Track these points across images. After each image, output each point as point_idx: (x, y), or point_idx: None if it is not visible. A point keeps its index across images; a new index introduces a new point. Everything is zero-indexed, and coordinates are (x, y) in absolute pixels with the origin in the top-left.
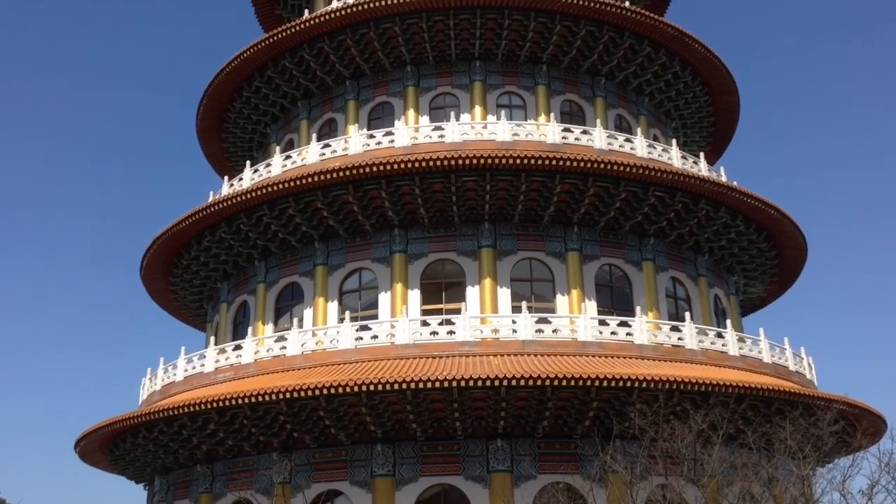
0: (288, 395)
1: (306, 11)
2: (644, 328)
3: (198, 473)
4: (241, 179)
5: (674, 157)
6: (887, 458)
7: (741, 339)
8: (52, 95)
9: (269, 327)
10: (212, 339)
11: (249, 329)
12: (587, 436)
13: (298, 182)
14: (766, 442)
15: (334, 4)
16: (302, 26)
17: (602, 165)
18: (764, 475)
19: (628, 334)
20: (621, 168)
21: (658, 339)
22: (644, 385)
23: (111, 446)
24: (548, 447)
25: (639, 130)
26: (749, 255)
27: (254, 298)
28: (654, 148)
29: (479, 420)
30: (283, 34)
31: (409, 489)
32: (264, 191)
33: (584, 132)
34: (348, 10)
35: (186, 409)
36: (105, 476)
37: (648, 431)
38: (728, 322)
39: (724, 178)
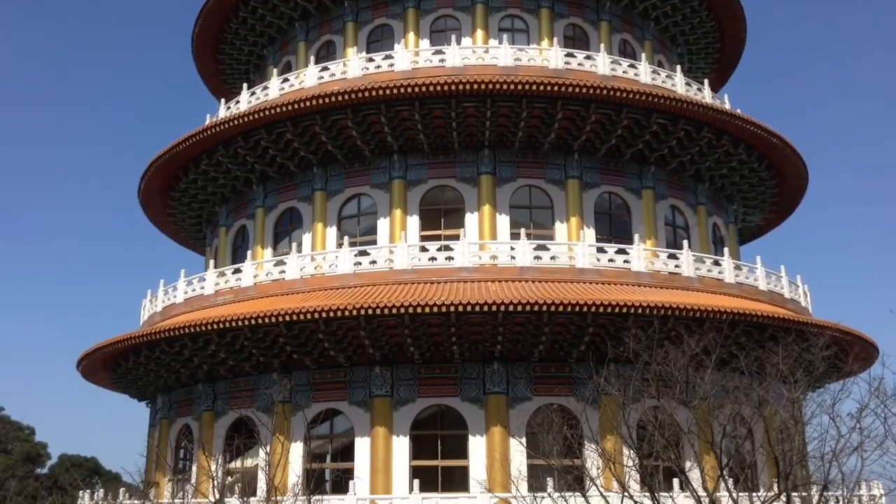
0: (287, 318)
1: None
2: (642, 256)
3: (199, 392)
4: (237, 103)
5: (678, 83)
6: (877, 382)
7: (737, 267)
8: (47, 22)
9: (268, 252)
10: (211, 262)
11: (248, 253)
12: (582, 360)
13: (296, 106)
14: (758, 366)
15: None
16: None
17: (605, 92)
18: (755, 398)
19: (626, 262)
20: (624, 94)
21: (655, 266)
22: (639, 311)
23: (113, 365)
24: (543, 370)
25: (643, 56)
26: (749, 183)
27: (252, 223)
28: (658, 74)
29: (476, 344)
30: None
31: (406, 409)
32: (261, 114)
33: (588, 57)
34: None
35: (187, 330)
36: (108, 394)
37: (642, 355)
38: (726, 250)
39: (727, 106)
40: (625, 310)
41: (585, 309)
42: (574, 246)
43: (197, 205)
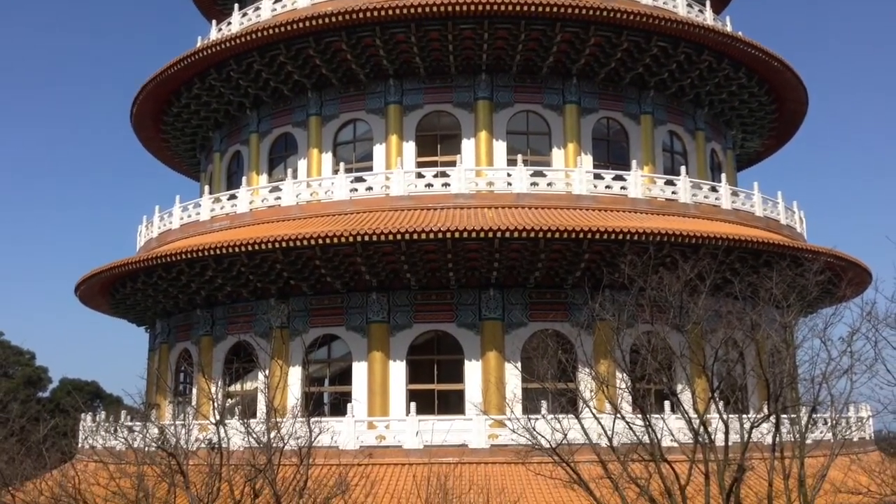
0: (284, 245)
1: None
2: (639, 182)
3: (198, 317)
4: (229, 24)
5: (679, 5)
6: (869, 307)
7: (734, 193)
8: None
9: (264, 178)
10: (206, 188)
11: (244, 179)
12: (577, 286)
13: (289, 28)
14: (751, 292)
15: None
16: None
17: (605, 13)
18: (747, 322)
19: (623, 188)
20: (625, 16)
21: (652, 192)
22: (635, 237)
23: (111, 291)
24: (539, 297)
25: None
26: (749, 108)
27: (247, 148)
28: None
29: (472, 270)
30: None
31: (403, 335)
32: (253, 36)
33: None
34: None
35: (184, 256)
36: (107, 321)
37: (637, 281)
38: (723, 176)
39: (728, 29)
40: (621, 236)
41: (582, 236)
42: (571, 172)
43: (190, 130)
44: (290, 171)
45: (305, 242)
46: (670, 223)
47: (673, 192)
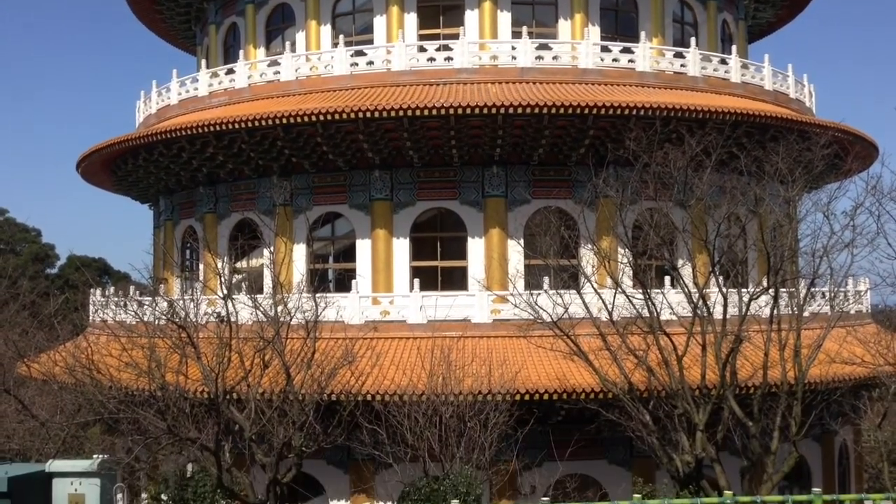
0: (285, 121)
1: None
2: (647, 54)
3: (201, 195)
4: None
5: None
6: (874, 181)
7: (744, 66)
8: None
9: (261, 51)
10: (203, 63)
11: (241, 52)
12: (581, 162)
13: None
14: (757, 167)
15: None
16: None
17: None
18: (751, 196)
19: (630, 61)
20: None
21: (661, 65)
22: (641, 112)
23: (113, 168)
24: (542, 173)
25: None
26: None
27: (243, 20)
28: None
29: (475, 147)
30: None
31: (406, 212)
32: None
33: None
34: None
35: (184, 133)
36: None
37: (642, 157)
38: (734, 48)
39: None
40: (627, 111)
41: (587, 111)
42: (577, 45)
43: (184, 0)
44: (288, 44)
45: (306, 119)
46: (678, 97)
47: (682, 65)
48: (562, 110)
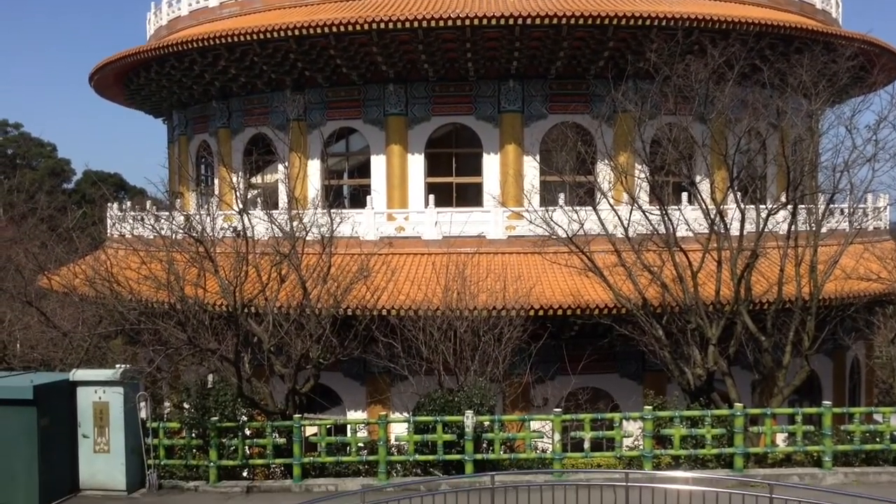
0: (297, 33)
1: None
2: None
3: (214, 109)
4: None
5: None
6: None
7: None
8: None
9: None
10: None
11: None
12: (600, 76)
13: None
14: (780, 79)
15: None
16: None
17: None
18: (773, 109)
19: None
20: None
21: None
22: (663, 23)
23: (125, 81)
24: (560, 88)
25: None
26: None
27: None
28: None
29: (491, 60)
30: None
31: (421, 128)
32: None
33: None
34: None
35: (195, 45)
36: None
37: (663, 69)
38: None
39: None
40: (648, 21)
41: (607, 21)
42: None
43: None
44: None
45: (319, 30)
46: (700, 7)
47: None
48: (581, 21)
